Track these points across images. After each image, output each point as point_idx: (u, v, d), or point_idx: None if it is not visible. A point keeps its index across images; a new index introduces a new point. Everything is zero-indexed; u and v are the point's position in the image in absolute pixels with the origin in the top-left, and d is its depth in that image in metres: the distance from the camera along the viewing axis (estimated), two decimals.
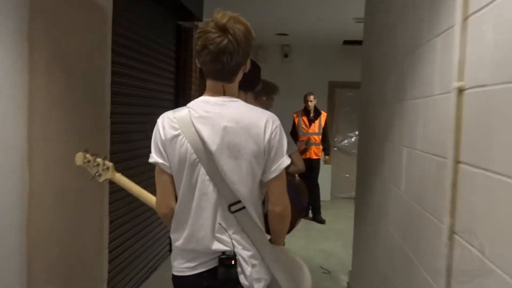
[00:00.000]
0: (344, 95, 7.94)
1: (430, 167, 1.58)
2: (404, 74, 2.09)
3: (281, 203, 1.50)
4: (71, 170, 1.98)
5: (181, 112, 1.46)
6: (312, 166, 6.14)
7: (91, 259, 2.69)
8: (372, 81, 3.12)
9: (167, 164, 1.47)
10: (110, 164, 1.75)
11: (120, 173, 1.77)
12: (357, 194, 3.77)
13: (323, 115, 6.28)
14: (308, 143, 6.10)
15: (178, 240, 1.50)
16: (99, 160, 1.76)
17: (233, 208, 1.44)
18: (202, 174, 1.43)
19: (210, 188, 1.43)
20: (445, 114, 1.41)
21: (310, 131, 6.18)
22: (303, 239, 5.30)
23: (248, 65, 1.52)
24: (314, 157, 6.12)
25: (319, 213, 6.20)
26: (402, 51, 2.18)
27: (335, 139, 7.93)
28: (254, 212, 1.47)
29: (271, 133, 1.43)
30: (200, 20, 4.75)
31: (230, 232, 1.45)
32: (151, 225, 3.75)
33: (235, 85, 1.51)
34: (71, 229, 2.42)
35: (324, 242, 5.26)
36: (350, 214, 6.72)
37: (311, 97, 6.17)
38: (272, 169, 1.45)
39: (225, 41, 1.37)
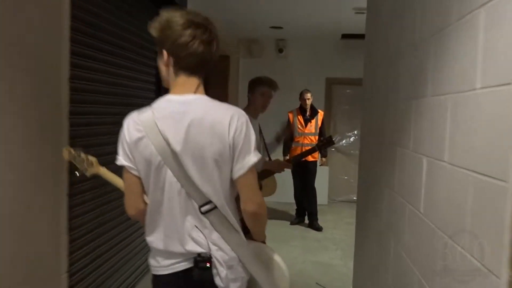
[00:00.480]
0: (343, 92, 7.52)
1: (471, 189, 1.15)
2: (422, 64, 1.66)
3: (253, 202, 1.47)
4: (12, 181, 1.81)
5: (145, 114, 1.44)
6: (308, 169, 5.71)
7: (45, 286, 2.24)
8: (376, 77, 2.68)
9: (133, 166, 1.47)
10: (93, 159, 1.84)
11: (104, 167, 1.85)
12: (359, 203, 3.33)
13: (320, 114, 5.85)
14: (303, 145, 5.68)
15: (153, 242, 1.51)
16: (83, 155, 1.86)
17: (204, 209, 1.43)
18: (169, 176, 1.42)
19: (178, 190, 1.43)
20: (499, 117, 0.97)
21: (306, 131, 5.75)
22: (298, 249, 4.87)
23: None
24: (311, 159, 5.69)
25: (316, 219, 5.77)
26: (417, 37, 1.75)
27: (333, 139, 7.47)
28: (228, 212, 1.47)
29: (236, 129, 1.40)
30: (184, 7, 4.30)
31: (205, 232, 1.44)
32: (124, 241, 3.30)
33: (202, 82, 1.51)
34: (15, 252, 1.98)
35: (321, 253, 4.83)
36: (349, 219, 6.41)
37: (308, 95, 5.74)
38: (238, 166, 1.42)
39: (213, 33, 1.43)
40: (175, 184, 1.42)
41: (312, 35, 6.90)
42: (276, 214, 6.33)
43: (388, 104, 2.31)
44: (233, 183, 1.46)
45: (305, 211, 5.87)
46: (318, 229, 5.66)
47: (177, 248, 1.45)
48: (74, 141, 2.45)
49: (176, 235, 1.45)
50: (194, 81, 1.46)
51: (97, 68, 2.86)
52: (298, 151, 5.67)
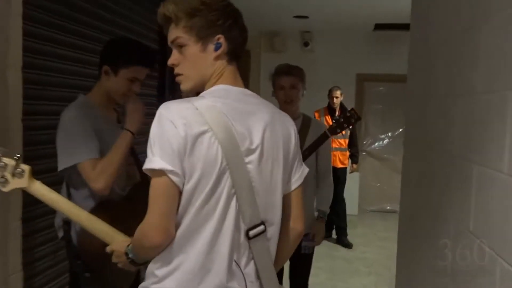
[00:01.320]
0: (375, 90, 6.80)
1: None
2: None
3: (302, 219, 1.31)
4: None
5: (203, 102, 1.13)
6: (336, 177, 4.98)
7: None
8: (434, 67, 1.99)
9: (178, 171, 1.06)
10: (26, 167, 1.33)
11: (40, 182, 1.36)
12: (402, 228, 2.62)
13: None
14: (331, 149, 4.99)
15: (172, 275, 1.11)
16: (7, 160, 1.31)
17: (253, 233, 1.14)
18: (228, 186, 1.11)
19: (233, 205, 1.12)
20: None
21: None
22: (325, 273, 4.18)
23: None
24: (339, 165, 5.00)
25: (345, 234, 5.07)
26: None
27: (364, 142, 6.79)
28: (276, 239, 1.24)
29: (296, 136, 1.28)
30: None
31: (242, 265, 1.15)
32: None
33: None
34: None
35: (352, 277, 4.13)
36: (383, 233, 5.67)
37: (338, 93, 5.05)
38: (297, 176, 1.28)
39: None
40: (232, 197, 1.12)
41: (341, 26, 6.21)
42: None
43: (453, 101, 1.62)
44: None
45: (333, 224, 5.18)
46: (348, 245, 4.96)
47: (213, 285, 1.11)
48: (28, 150, 1.86)
49: (217, 267, 1.12)
50: (237, 70, 1.26)
51: (64, 55, 2.27)
52: None
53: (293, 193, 1.28)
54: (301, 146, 2.35)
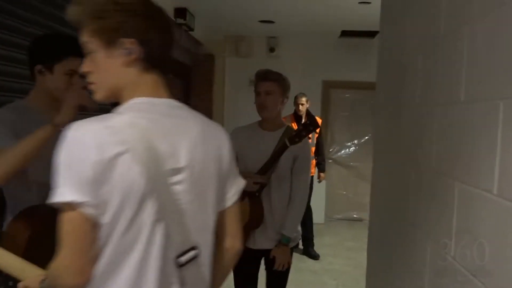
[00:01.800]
0: (341, 96, 6.74)
1: None
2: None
3: (240, 237, 1.24)
4: None
5: (121, 118, 0.99)
6: None
7: None
8: (406, 73, 1.87)
9: (95, 203, 0.92)
10: None
11: None
12: (371, 247, 2.49)
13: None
14: None
15: None
16: None
17: (184, 259, 1.03)
18: (152, 212, 0.98)
19: (159, 232, 1.00)
20: None
21: None
22: (292, 286, 4.01)
23: None
24: None
25: (312, 245, 4.94)
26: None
27: (330, 150, 6.71)
28: (209, 263, 1.14)
29: (229, 147, 1.18)
30: None
31: None
32: None
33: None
34: None
35: None
36: (350, 243, 5.48)
37: (303, 99, 4.93)
38: (233, 191, 1.20)
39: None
40: (158, 222, 0.99)
41: (307, 31, 6.12)
42: None
43: (430, 111, 1.50)
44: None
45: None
46: (315, 257, 4.83)
47: None
48: None
49: None
50: (161, 80, 1.11)
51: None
52: None
53: (229, 209, 1.20)
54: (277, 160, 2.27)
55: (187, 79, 6.54)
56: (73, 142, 0.94)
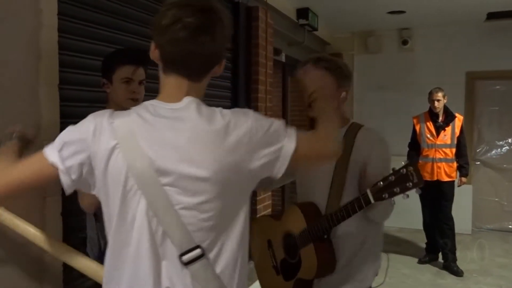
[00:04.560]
0: (490, 89, 5.90)
1: None
2: None
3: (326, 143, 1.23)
4: None
5: (123, 117, 1.09)
6: (442, 192, 4.35)
7: None
8: None
9: (63, 168, 1.05)
10: None
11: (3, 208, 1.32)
12: None
13: (458, 119, 4.43)
14: (434, 160, 4.35)
15: None
16: None
17: (187, 258, 1.05)
18: (140, 208, 1.05)
19: (151, 229, 1.05)
20: None
21: (439, 142, 4.38)
22: None
23: (222, 67, 1.17)
24: (446, 179, 4.32)
25: (454, 259, 4.34)
26: None
27: (478, 150, 5.92)
28: (225, 258, 1.09)
29: (233, 126, 1.09)
30: None
31: None
32: None
33: (202, 87, 1.15)
34: None
35: None
36: (502, 259, 4.74)
37: (439, 95, 4.38)
38: (265, 160, 1.11)
39: (210, 16, 1.08)
40: (149, 220, 1.05)
41: (445, 18, 5.48)
42: (399, 246, 5.04)
43: None
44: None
45: (438, 246, 4.50)
46: (457, 273, 4.23)
47: None
48: None
49: None
50: (183, 84, 1.11)
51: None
52: (428, 169, 4.36)
53: (295, 156, 1.12)
54: (339, 175, 1.67)
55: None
56: (88, 122, 1.08)
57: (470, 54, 5.79)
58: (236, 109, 1.12)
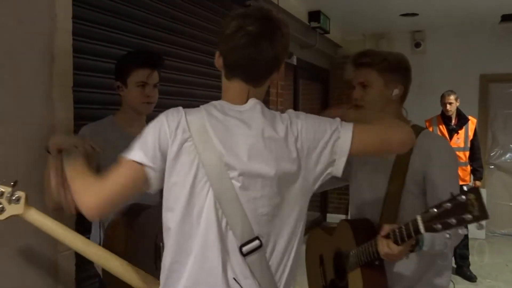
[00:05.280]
0: (504, 92, 5.83)
1: None
2: None
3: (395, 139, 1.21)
4: None
5: (195, 113, 1.15)
6: None
7: None
8: None
9: (157, 169, 1.11)
10: (22, 194, 1.31)
11: (35, 208, 1.33)
12: None
13: (472, 122, 4.39)
14: None
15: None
16: (3, 188, 1.30)
17: (246, 249, 1.10)
18: (207, 199, 1.10)
19: (217, 220, 1.09)
20: None
21: (452, 145, 4.34)
22: None
23: (281, 73, 1.23)
24: (460, 182, 4.26)
25: (468, 264, 4.30)
26: None
27: (492, 154, 5.85)
28: (281, 251, 1.14)
29: (290, 131, 1.16)
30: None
31: (243, 283, 1.10)
32: None
33: (262, 91, 1.22)
34: None
35: None
36: None
37: (451, 97, 4.35)
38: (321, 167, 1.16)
39: (270, 25, 1.16)
40: (215, 211, 1.09)
41: (458, 20, 5.44)
42: None
43: None
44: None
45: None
46: (471, 278, 4.18)
47: None
48: None
49: (212, 281, 1.09)
50: (244, 90, 1.18)
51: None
52: None
53: (353, 148, 1.14)
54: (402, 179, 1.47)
55: (325, 83, 6.39)
56: (158, 122, 1.13)
57: (484, 57, 5.73)
58: (290, 111, 1.19)
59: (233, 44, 1.15)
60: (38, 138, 1.57)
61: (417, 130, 1.52)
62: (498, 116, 5.87)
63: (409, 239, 1.26)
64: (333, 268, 1.67)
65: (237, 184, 1.09)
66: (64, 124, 1.70)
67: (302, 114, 1.18)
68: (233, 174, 1.09)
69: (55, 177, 1.39)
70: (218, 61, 1.20)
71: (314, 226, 1.93)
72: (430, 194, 1.45)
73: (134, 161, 1.09)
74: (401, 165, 1.47)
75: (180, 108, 1.15)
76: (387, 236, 1.32)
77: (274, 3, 3.75)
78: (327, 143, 1.14)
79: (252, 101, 1.16)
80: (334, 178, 1.67)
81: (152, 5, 2.49)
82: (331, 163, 1.15)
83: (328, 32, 5.27)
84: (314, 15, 4.92)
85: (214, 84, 2.87)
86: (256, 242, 1.10)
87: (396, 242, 1.29)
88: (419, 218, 1.22)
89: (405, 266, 1.48)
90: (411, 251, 1.34)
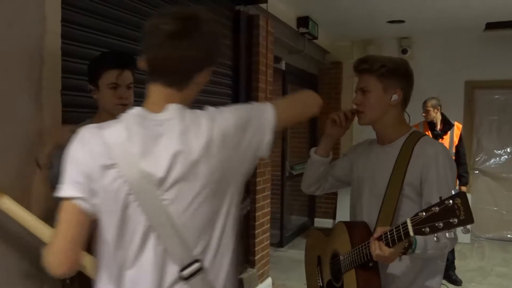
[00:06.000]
0: (489, 98, 5.92)
1: None
2: None
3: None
4: None
5: (113, 131, 1.07)
6: None
7: None
8: None
9: (87, 197, 1.03)
10: None
11: (8, 196, 1.30)
12: None
13: (457, 128, 4.44)
14: None
15: None
16: None
17: (187, 273, 1.04)
18: (139, 223, 1.03)
19: (152, 244, 1.04)
20: None
21: None
22: None
23: (208, 76, 1.16)
24: None
25: (453, 268, 4.34)
26: None
27: (477, 159, 5.93)
28: (221, 269, 1.10)
29: (215, 135, 1.10)
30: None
31: None
32: None
33: (188, 95, 1.14)
34: None
35: None
36: (501, 268, 4.72)
37: (428, 105, 4.35)
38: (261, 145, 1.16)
39: (187, 23, 1.08)
40: (149, 235, 1.04)
41: (444, 28, 5.51)
42: None
43: None
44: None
45: None
46: (456, 282, 4.23)
47: None
48: None
49: None
50: (165, 92, 1.11)
51: None
52: None
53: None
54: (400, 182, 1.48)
55: (313, 88, 6.43)
56: (77, 146, 1.06)
57: (469, 63, 5.81)
58: (212, 109, 1.13)
59: (147, 44, 1.09)
60: (26, 141, 1.56)
61: (418, 135, 1.56)
62: (483, 122, 5.95)
63: (400, 241, 1.28)
64: (329, 269, 1.69)
65: (167, 200, 1.03)
66: (51, 128, 1.69)
67: (225, 110, 1.13)
68: (162, 191, 1.02)
69: (44, 189, 1.39)
70: (140, 64, 1.11)
71: (304, 231, 2.00)
72: (425, 197, 1.47)
73: (66, 198, 1.02)
74: (400, 169, 1.50)
75: (94, 129, 1.06)
76: (379, 238, 1.34)
77: (263, 9, 3.78)
78: (253, 132, 1.12)
79: (171, 108, 1.08)
80: (337, 181, 1.77)
81: (141, 9, 2.49)
82: (258, 149, 1.15)
83: (316, 38, 5.31)
84: (303, 21, 4.95)
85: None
86: (196, 265, 1.05)
87: (387, 245, 1.31)
88: (408, 221, 1.25)
89: (399, 268, 1.51)
90: (404, 253, 1.36)
